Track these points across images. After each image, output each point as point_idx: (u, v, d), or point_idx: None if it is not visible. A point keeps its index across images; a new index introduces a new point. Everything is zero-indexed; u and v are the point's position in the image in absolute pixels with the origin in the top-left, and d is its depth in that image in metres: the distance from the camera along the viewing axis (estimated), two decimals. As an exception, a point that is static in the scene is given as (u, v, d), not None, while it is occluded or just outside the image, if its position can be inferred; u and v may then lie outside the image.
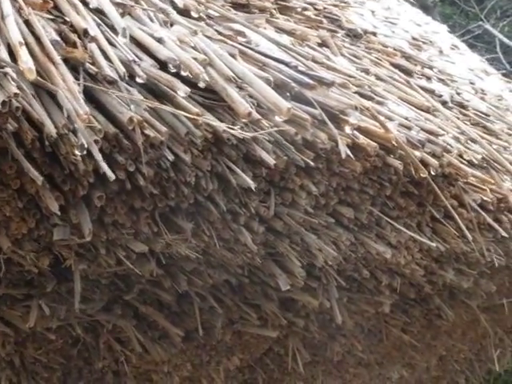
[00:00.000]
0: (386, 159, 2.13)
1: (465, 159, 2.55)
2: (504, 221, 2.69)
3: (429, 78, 3.29)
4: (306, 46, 2.54)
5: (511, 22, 12.39)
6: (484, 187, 2.57)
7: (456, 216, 2.31)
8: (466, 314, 3.45)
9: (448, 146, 2.35)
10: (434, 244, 2.31)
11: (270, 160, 1.77)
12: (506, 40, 11.65)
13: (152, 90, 1.71)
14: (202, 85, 1.63)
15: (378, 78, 2.67)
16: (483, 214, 2.55)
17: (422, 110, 2.53)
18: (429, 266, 2.58)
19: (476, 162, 2.63)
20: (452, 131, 2.57)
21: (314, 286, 2.32)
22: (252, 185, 1.77)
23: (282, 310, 2.47)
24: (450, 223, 2.52)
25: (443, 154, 2.31)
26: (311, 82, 1.90)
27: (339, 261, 2.23)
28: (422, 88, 2.93)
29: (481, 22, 12.07)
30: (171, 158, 1.62)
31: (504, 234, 2.55)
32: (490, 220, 2.56)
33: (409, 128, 2.21)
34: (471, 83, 3.97)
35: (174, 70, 1.64)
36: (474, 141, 2.66)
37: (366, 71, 2.62)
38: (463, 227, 2.40)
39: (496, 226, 2.56)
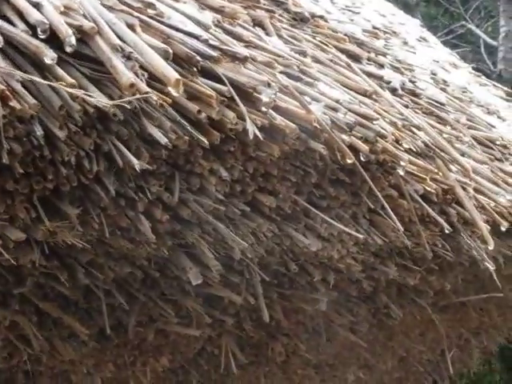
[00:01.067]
0: (308, 143, 1.94)
1: (403, 146, 2.36)
2: (451, 214, 2.50)
3: (381, 66, 3.10)
4: (238, 25, 2.35)
5: (495, 23, 12.20)
6: (426, 177, 2.38)
7: (386, 205, 2.11)
8: (420, 314, 3.25)
9: (383, 131, 2.15)
10: (360, 236, 2.11)
11: (163, 138, 1.57)
12: (488, 39, 11.47)
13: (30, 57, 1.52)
14: (69, 49, 1.44)
15: (317, 60, 2.48)
16: (425, 205, 2.36)
17: (360, 94, 2.34)
18: (367, 261, 2.38)
19: (419, 151, 2.44)
20: (392, 117, 2.38)
21: (235, 280, 2.13)
22: (138, 165, 1.57)
23: (206, 307, 2.27)
24: (389, 215, 2.33)
25: (377, 140, 2.12)
26: (216, 54, 1.70)
27: (261, 254, 2.03)
28: (369, 74, 2.74)
29: (464, 22, 11.89)
30: (40, 132, 1.42)
31: (448, 227, 2.36)
32: (432, 212, 2.36)
33: (336, 110, 2.01)
34: (433, 74, 3.79)
35: (42, 35, 1.44)
36: (418, 128, 2.47)
37: (303, 53, 2.42)
38: (394, 219, 2.20)
39: (439, 218, 2.36)
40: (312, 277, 2.28)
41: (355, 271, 2.35)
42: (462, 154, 2.81)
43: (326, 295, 2.44)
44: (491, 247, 2.44)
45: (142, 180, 1.68)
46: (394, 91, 2.82)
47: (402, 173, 2.28)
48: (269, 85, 1.77)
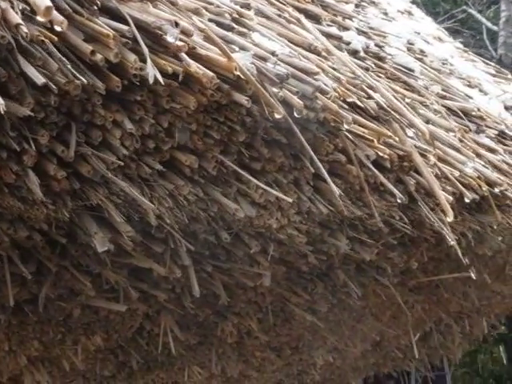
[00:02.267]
0: (231, 95, 1.71)
1: (352, 106, 2.14)
2: (408, 183, 2.27)
3: (346, 29, 2.87)
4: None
5: (497, 9, 11.89)
6: (378, 141, 2.15)
7: (324, 171, 1.88)
8: (387, 295, 3.02)
9: (324, 87, 1.92)
10: (290, 199, 1.88)
11: (39, 79, 1.35)
12: (489, 25, 11.17)
13: None
14: None
15: (262, 14, 2.25)
16: (376, 172, 2.13)
17: (304, 49, 2.11)
18: (313, 232, 2.16)
19: (372, 113, 2.21)
20: (340, 75, 2.14)
21: (158, 250, 1.90)
22: (21, 111, 1.35)
23: (133, 279, 2.05)
24: (336, 182, 2.10)
25: (316, 96, 1.89)
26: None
27: (183, 220, 1.80)
28: (326, 34, 2.51)
29: (465, 7, 11.61)
30: None
31: (401, 197, 2.13)
32: (383, 179, 2.13)
33: (265, 60, 1.78)
34: (410, 43, 3.55)
35: None
36: (372, 88, 2.24)
37: (246, 6, 2.19)
38: (334, 189, 1.97)
39: (390, 186, 2.13)
40: (249, 248, 2.06)
41: (299, 243, 2.13)
42: (427, 121, 2.57)
43: (270, 269, 2.22)
44: (450, 219, 2.21)
45: (27, 129, 1.46)
46: (355, 53, 2.59)
47: (349, 135, 2.06)
48: (176, 24, 1.54)
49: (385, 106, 2.23)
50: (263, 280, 2.22)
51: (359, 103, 2.16)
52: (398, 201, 2.13)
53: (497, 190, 2.68)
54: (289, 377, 3.50)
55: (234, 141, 1.81)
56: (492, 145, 3.01)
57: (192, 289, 2.00)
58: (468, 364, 15.23)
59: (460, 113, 3.11)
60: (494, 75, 4.43)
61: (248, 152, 1.86)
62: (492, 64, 5.12)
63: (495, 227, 2.76)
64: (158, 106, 1.65)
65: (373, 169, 2.12)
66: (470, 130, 3.05)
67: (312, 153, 1.85)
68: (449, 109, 3.12)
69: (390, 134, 2.14)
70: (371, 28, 3.33)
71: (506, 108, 3.73)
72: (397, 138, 2.24)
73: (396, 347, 4.11)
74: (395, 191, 2.12)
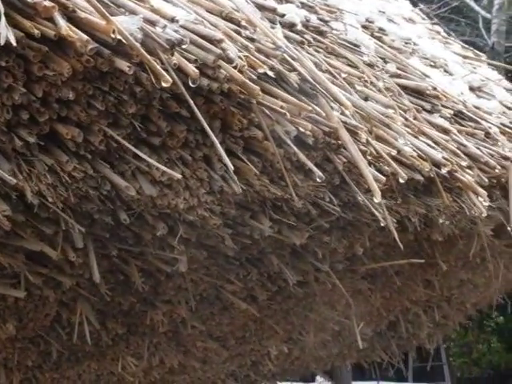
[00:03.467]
0: (113, 62, 1.55)
1: (275, 79, 1.98)
2: (335, 161, 2.11)
3: (288, 2, 2.71)
4: None
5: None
6: (300, 116, 1.98)
7: (219, 152, 1.72)
8: (335, 282, 2.86)
9: (230, 55, 1.76)
10: (178, 175, 1.72)
11: None
12: (482, 12, 10.95)
13: None
14: None
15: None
16: (295, 149, 1.96)
17: (214, 15, 1.95)
18: (230, 214, 2.00)
19: (296, 86, 2.04)
20: (259, 45, 1.98)
21: (48, 232, 1.75)
22: None
23: (30, 264, 1.90)
24: (253, 160, 1.94)
25: (218, 65, 1.73)
26: None
27: (70, 198, 1.65)
28: (258, 5, 2.34)
29: (458, -6, 11.43)
30: None
31: (320, 175, 1.96)
32: (302, 157, 1.97)
33: (154, 24, 1.62)
34: (368, 21, 3.39)
35: None
36: (295, 60, 2.07)
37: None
38: (251, 167, 1.82)
39: (310, 164, 1.97)
40: (156, 230, 1.90)
41: (214, 225, 1.97)
42: (366, 98, 2.41)
43: (186, 254, 2.06)
44: (377, 199, 2.04)
45: None
46: (291, 26, 2.42)
47: (265, 109, 1.90)
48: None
49: (310, 79, 2.06)
50: (179, 265, 2.06)
51: (278, 76, 1.99)
52: (318, 180, 1.96)
53: (444, 171, 2.52)
54: (242, 368, 3.35)
55: (123, 112, 1.65)
56: (446, 125, 2.84)
57: (93, 274, 1.85)
58: (466, 354, 15.08)
59: (414, 92, 2.95)
60: (465, 57, 4.26)
61: (143, 125, 1.70)
62: (471, 48, 4.96)
63: (443, 211, 2.59)
64: (29, 73, 1.49)
65: (292, 145, 1.96)
66: (424, 110, 2.89)
67: (206, 125, 1.68)
68: (404, 88, 2.96)
69: (311, 108, 1.98)
70: (327, 5, 3.16)
71: (471, 89, 3.56)
72: (323, 114, 2.07)
73: (361, 338, 3.95)
74: (314, 169, 1.95)
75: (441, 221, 2.61)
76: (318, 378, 11.99)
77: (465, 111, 3.06)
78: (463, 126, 2.99)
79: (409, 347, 4.66)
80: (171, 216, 1.91)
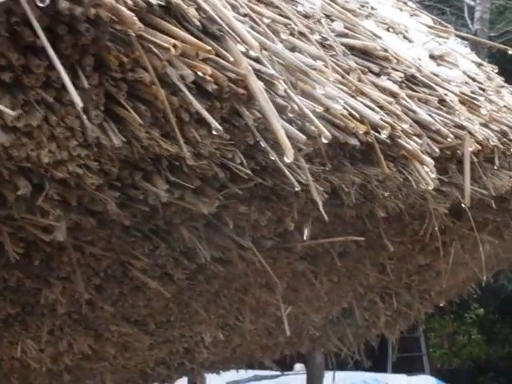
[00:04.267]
0: None
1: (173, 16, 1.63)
2: (245, 115, 1.76)
3: None
4: None
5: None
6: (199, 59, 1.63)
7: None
8: (277, 262, 2.53)
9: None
10: (12, 112, 1.36)
11: None
12: (467, 0, 10.59)
13: None
14: None
15: None
16: (189, 96, 1.61)
17: None
18: (111, 173, 1.65)
19: (197, 24, 1.69)
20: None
21: None
22: None
23: None
24: (140, 108, 1.60)
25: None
26: None
27: None
28: None
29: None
30: None
31: (218, 128, 1.61)
32: (198, 106, 1.61)
33: None
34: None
35: None
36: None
37: None
38: (135, 116, 1.47)
39: (206, 114, 1.62)
40: (17, 189, 1.55)
41: (92, 185, 1.62)
42: (293, 48, 2.05)
43: (65, 219, 1.71)
44: (289, 159, 1.69)
45: None
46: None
47: (153, 47, 1.55)
48: None
49: (215, 16, 1.71)
50: (56, 233, 1.71)
51: (176, 10, 1.64)
52: (214, 133, 1.61)
53: (384, 136, 2.17)
54: (174, 355, 3.01)
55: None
56: (394, 88, 2.49)
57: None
58: (446, 345, 14.82)
59: (362, 54, 2.61)
60: (430, 27, 3.92)
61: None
62: (440, 21, 4.62)
63: (385, 182, 2.25)
64: None
65: (186, 92, 1.61)
66: (370, 72, 2.55)
67: (54, 55, 1.33)
68: (351, 48, 2.62)
69: (210, 48, 1.63)
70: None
71: (432, 57, 3.21)
72: (231, 59, 1.72)
73: (312, 325, 3.61)
74: (211, 120, 1.60)
75: (382, 194, 2.27)
76: (297, 366, 11.71)
77: (419, 76, 2.71)
78: (416, 91, 2.64)
79: (368, 336, 4.32)
80: (36, 172, 1.56)
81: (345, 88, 2.16)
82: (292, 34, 2.11)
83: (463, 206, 2.59)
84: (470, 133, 2.67)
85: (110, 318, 2.43)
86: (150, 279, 2.17)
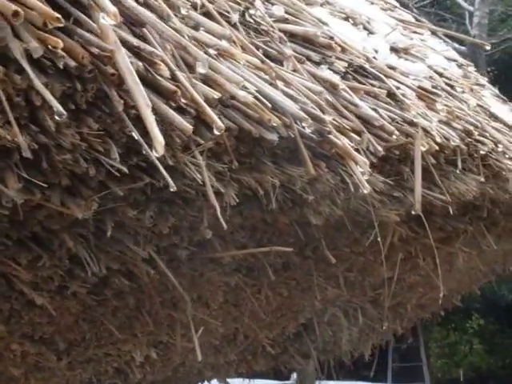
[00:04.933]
0: None
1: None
2: (114, 98, 1.43)
3: None
4: None
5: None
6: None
7: None
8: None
9: None
10: None
11: None
12: (467, 6, 10.22)
13: None
14: None
15: None
16: (31, 73, 1.29)
17: None
18: None
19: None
20: None
21: None
22: None
23: None
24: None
25: None
26: None
27: None
28: None
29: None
30: None
31: (60, 112, 1.28)
32: (39, 86, 1.29)
33: None
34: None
35: None
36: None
37: None
38: None
39: (49, 96, 1.29)
40: None
41: None
42: (196, 26, 1.72)
43: None
44: (158, 153, 1.36)
45: None
46: None
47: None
48: None
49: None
50: None
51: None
52: (57, 117, 1.28)
53: (308, 131, 1.84)
54: (103, 375, 2.68)
55: None
56: (333, 79, 2.16)
57: None
58: (448, 355, 14.40)
59: (303, 41, 2.28)
60: (403, 21, 3.58)
61: None
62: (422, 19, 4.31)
63: (313, 184, 1.92)
64: None
65: (27, 68, 1.28)
66: (309, 60, 2.22)
67: None
68: (291, 35, 2.30)
69: (58, 16, 1.30)
70: None
71: (394, 49, 2.88)
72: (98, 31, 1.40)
73: (268, 342, 3.27)
74: (54, 103, 1.27)
75: (311, 198, 1.93)
76: (294, 376, 11.35)
77: (368, 67, 2.38)
78: (362, 83, 2.31)
79: (337, 352, 3.97)
80: None
81: (263, 74, 1.83)
82: (205, 14, 1.77)
83: (413, 212, 2.24)
84: (424, 130, 2.34)
85: (8, 337, 2.11)
86: (36, 294, 1.84)
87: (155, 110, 1.48)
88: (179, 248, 2.00)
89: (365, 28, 2.92)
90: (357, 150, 2.06)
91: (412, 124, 2.24)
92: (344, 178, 2.01)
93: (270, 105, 1.71)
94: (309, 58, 2.23)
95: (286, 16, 2.35)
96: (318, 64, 2.24)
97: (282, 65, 2.10)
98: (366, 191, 1.93)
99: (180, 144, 1.58)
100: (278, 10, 2.35)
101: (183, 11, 1.70)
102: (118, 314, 2.26)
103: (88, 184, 1.55)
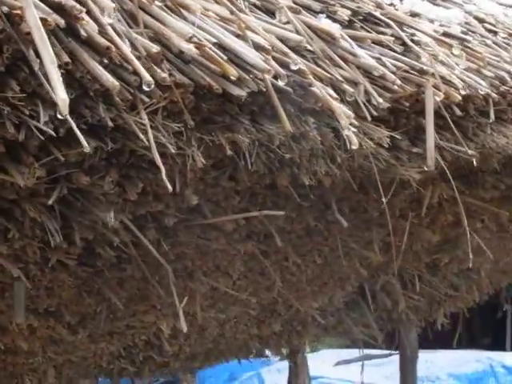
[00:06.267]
0: None
1: None
2: (31, 59, 1.35)
3: None
4: None
5: None
6: None
7: None
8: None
9: None
10: None
11: None
12: None
13: None
14: None
15: None
16: None
17: None
18: None
19: None
20: None
21: None
22: None
23: None
24: None
25: None
26: None
27: None
28: None
29: None
30: None
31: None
32: None
33: None
34: None
35: None
36: None
37: None
38: None
39: None
40: None
41: None
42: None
43: None
44: (63, 114, 1.27)
45: None
46: None
47: None
48: None
49: None
50: None
51: None
52: None
53: (281, 83, 1.70)
54: (134, 348, 2.65)
55: None
56: (331, 29, 2.01)
57: None
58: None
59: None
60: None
61: None
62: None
63: (293, 141, 1.78)
64: None
65: None
66: (309, 10, 2.08)
67: None
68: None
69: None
70: None
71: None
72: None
73: (317, 312, 3.15)
74: None
75: (292, 156, 1.80)
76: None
77: (378, 15, 2.19)
78: (370, 31, 2.14)
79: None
80: None
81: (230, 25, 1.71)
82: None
83: (425, 168, 2.06)
84: (443, 79, 2.13)
85: (8, 311, 2.10)
86: (12, 266, 1.81)
87: (86, 68, 1.40)
88: (165, 215, 1.91)
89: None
90: (355, 102, 1.91)
91: (422, 72, 2.05)
92: (339, 134, 1.87)
93: (225, 57, 1.59)
94: (309, 8, 2.08)
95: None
96: (319, 13, 2.09)
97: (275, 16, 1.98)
98: (354, 147, 1.77)
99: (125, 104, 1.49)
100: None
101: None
102: (126, 286, 2.21)
103: (28, 151, 1.49)
